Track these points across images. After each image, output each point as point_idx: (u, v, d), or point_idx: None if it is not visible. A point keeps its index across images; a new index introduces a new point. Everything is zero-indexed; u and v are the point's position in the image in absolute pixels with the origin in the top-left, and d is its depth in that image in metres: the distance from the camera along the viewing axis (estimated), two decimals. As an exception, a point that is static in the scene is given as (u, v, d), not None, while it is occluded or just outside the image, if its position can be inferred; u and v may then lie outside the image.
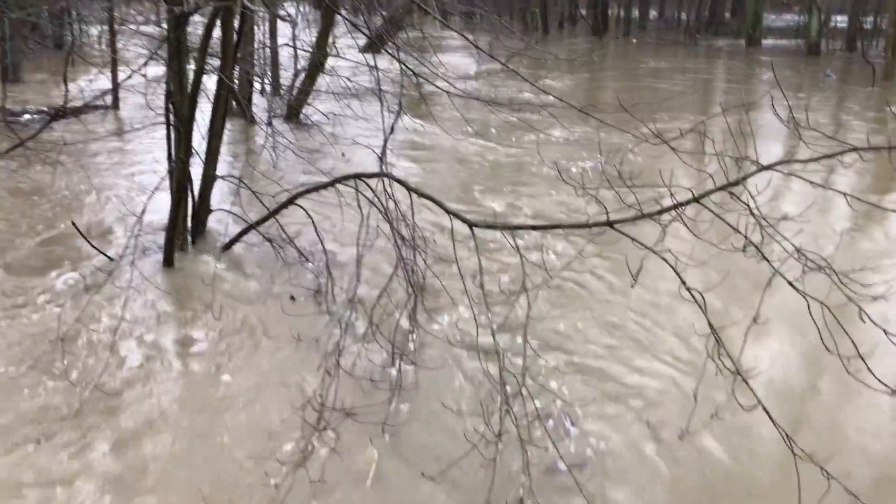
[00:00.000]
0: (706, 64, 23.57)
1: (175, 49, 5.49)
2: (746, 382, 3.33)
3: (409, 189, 4.43)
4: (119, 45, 11.91)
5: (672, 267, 3.44)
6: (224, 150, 6.74)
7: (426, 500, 3.40)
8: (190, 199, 5.87)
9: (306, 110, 11.34)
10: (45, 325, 4.71)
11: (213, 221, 6.21)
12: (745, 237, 3.32)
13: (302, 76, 11.49)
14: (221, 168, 6.39)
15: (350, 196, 4.79)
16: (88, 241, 5.80)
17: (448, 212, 4.16)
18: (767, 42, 28.62)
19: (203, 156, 5.93)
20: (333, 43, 10.81)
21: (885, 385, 3.11)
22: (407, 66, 5.30)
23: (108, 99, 11.30)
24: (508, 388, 3.52)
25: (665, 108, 12.75)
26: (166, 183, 5.62)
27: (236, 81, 8.73)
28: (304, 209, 5.67)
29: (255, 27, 11.29)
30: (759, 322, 3.28)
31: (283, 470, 3.42)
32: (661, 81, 18.55)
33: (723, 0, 35.89)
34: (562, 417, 3.93)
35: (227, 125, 6.62)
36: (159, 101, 5.94)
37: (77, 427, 3.75)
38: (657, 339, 4.94)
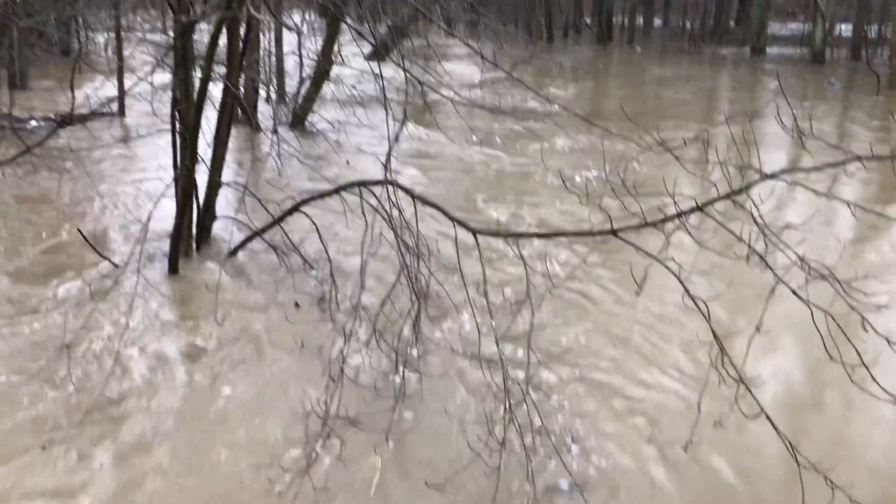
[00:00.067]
0: (711, 72, 23.56)
1: (181, 57, 5.53)
2: (750, 391, 3.33)
3: (414, 197, 4.44)
4: (126, 52, 12.00)
5: (676, 275, 3.44)
6: (229, 157, 6.78)
7: (429, 508, 3.39)
8: (195, 207, 5.90)
9: (311, 118, 11.39)
10: (50, 333, 4.73)
11: (217, 228, 6.24)
12: (749, 246, 3.32)
13: (307, 84, 11.52)
14: (226, 175, 6.41)
15: (354, 204, 4.80)
16: (94, 248, 5.82)
17: (452, 219, 4.16)
18: (772, 50, 28.62)
19: (208, 163, 5.96)
20: (339, 51, 10.86)
21: (889, 394, 3.11)
22: (412, 75, 5.32)
23: (115, 106, 11.38)
24: (511, 399, 3.52)
25: (669, 116, 12.73)
26: (172, 190, 5.65)
27: (242, 89, 8.79)
28: (309, 216, 5.69)
29: (261, 35, 11.36)
30: (763, 331, 3.28)
31: (286, 477, 3.42)
32: (665, 89, 18.56)
33: (727, 8, 35.89)
34: (564, 435, 3.92)
35: (233, 133, 6.65)
36: (165, 108, 5.97)
37: (80, 436, 3.76)
38: (661, 350, 4.92)
